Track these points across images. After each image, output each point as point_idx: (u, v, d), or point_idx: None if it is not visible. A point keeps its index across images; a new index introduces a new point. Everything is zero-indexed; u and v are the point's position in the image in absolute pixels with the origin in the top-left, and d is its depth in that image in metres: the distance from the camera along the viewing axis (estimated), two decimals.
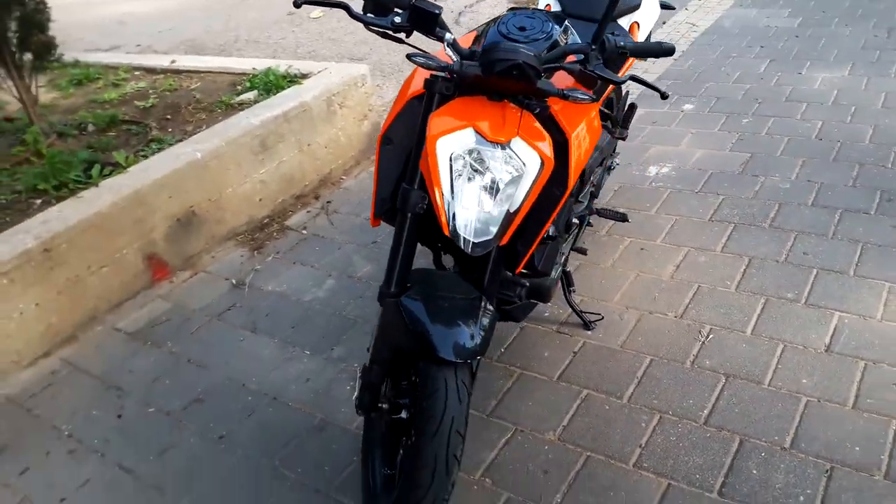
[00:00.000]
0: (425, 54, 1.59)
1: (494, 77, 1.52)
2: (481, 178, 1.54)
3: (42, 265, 2.61)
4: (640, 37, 2.48)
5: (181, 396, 2.40)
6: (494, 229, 1.56)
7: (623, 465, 1.93)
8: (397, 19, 1.60)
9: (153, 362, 2.58)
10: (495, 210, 1.55)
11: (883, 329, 2.24)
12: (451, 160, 1.53)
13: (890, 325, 2.25)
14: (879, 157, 3.17)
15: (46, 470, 2.17)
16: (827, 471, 1.83)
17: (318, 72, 3.94)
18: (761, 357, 2.21)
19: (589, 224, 2.68)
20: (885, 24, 4.70)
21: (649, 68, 4.52)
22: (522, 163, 1.55)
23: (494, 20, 1.85)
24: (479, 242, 1.56)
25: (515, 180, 1.55)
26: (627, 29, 2.41)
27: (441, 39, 1.61)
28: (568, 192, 1.70)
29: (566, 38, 1.81)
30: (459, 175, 1.53)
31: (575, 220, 2.33)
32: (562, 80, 1.77)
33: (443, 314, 1.60)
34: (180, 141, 3.31)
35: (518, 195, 1.56)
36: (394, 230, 1.66)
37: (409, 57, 1.58)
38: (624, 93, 2.71)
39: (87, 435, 2.28)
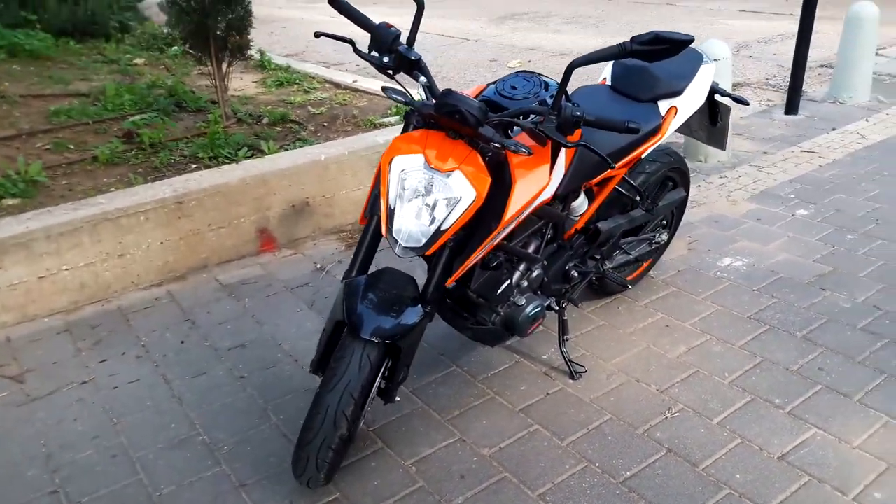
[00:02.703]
0: (396, 90, 1.96)
1: (444, 117, 1.85)
2: (422, 198, 1.87)
3: (172, 213, 3.31)
4: (676, 122, 2.63)
5: (232, 340, 2.93)
6: (424, 240, 1.88)
7: (529, 493, 2.12)
8: (385, 59, 2.00)
9: (227, 310, 3.15)
10: (428, 226, 1.87)
11: (851, 456, 2.19)
12: (400, 177, 1.88)
13: (861, 454, 2.20)
14: None
15: (116, 364, 2.79)
16: None
17: None
18: (711, 445, 2.26)
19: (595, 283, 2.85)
20: None
21: (789, 169, 4.46)
22: (458, 192, 1.85)
23: (501, 78, 2.18)
24: (408, 247, 1.89)
25: (450, 205, 1.86)
26: (665, 111, 2.58)
27: (417, 80, 1.98)
28: (500, 227, 1.96)
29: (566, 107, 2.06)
30: (404, 190, 1.88)
31: (574, 273, 2.55)
32: (524, 139, 2.03)
33: (373, 299, 1.94)
34: (318, 143, 3.93)
35: (450, 218, 1.87)
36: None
37: (383, 89, 1.96)
38: (659, 171, 2.84)
39: (154, 348, 2.89)
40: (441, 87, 1.91)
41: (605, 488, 2.12)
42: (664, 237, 3.02)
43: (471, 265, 2.03)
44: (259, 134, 4.17)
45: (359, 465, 2.25)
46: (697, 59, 2.72)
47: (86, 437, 2.41)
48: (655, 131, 2.53)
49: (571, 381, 2.60)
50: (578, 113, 1.87)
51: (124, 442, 2.38)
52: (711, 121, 3.03)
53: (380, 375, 2.04)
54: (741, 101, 2.90)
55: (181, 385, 2.66)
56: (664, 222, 3.05)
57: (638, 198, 2.72)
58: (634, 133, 1.88)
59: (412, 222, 1.88)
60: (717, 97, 2.96)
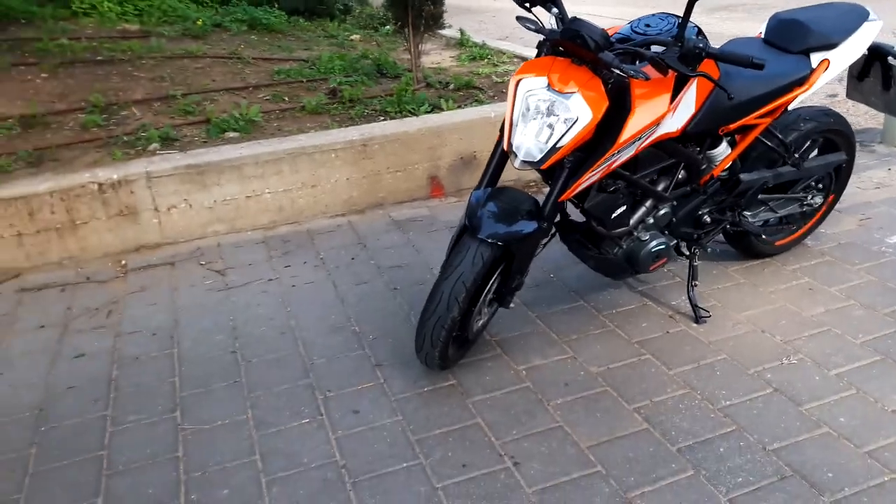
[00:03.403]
0: (528, 19, 2.18)
1: (568, 41, 2.05)
2: (543, 117, 2.08)
3: (358, 154, 3.79)
4: (828, 75, 2.57)
5: (392, 261, 3.33)
6: (539, 156, 2.09)
7: (625, 405, 2.27)
8: None
9: (394, 239, 3.56)
10: (545, 143, 2.08)
11: None
12: (525, 97, 2.11)
13: None
14: None
15: (298, 269, 3.30)
16: (781, 476, 1.94)
17: None
18: (822, 391, 2.26)
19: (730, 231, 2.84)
20: None
21: None
22: (576, 113, 2.05)
23: (639, 17, 2.33)
24: (525, 160, 2.11)
25: (567, 124, 2.06)
26: (816, 63, 2.54)
27: (550, 11, 2.19)
28: (614, 148, 2.10)
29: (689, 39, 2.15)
30: (528, 110, 2.10)
31: (707, 219, 2.63)
32: (650, 72, 2.15)
33: (494, 208, 2.20)
34: (490, 104, 4.25)
35: (566, 137, 2.06)
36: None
37: (517, 18, 2.20)
38: (814, 130, 2.78)
39: (330, 261, 3.36)
40: None
41: (700, 411, 2.22)
42: (818, 200, 2.96)
43: (585, 184, 2.20)
44: (443, 96, 4.56)
45: (476, 363, 2.52)
46: (862, 15, 2.65)
47: (264, 317, 2.91)
48: (802, 81, 2.52)
49: (695, 324, 2.67)
50: (701, 45, 1.99)
51: (293, 324, 2.85)
52: (884, 85, 2.91)
53: (493, 279, 2.30)
54: None
55: (345, 289, 3.10)
56: (819, 185, 2.98)
57: (784, 153, 2.70)
58: (759, 68, 1.96)
59: (531, 140, 2.10)
60: (891, 60, 2.84)
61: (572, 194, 2.24)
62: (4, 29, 5.72)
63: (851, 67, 3.01)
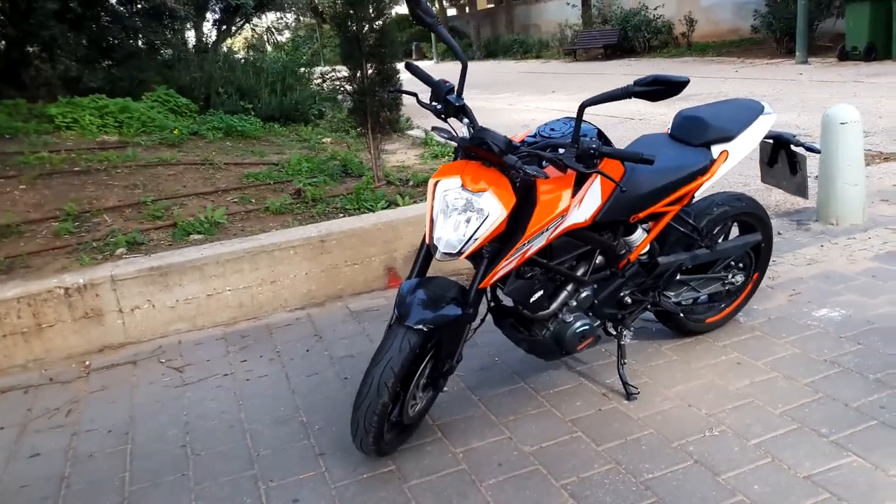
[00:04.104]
0: (442, 129, 2.41)
1: (476, 147, 2.27)
2: (459, 213, 2.28)
3: (316, 250, 3.98)
4: (728, 165, 2.80)
5: (345, 351, 3.46)
6: (459, 247, 2.28)
7: (553, 482, 2.37)
8: (439, 107, 2.46)
9: (349, 329, 3.71)
10: (462, 236, 2.27)
11: (883, 482, 2.19)
12: (443, 196, 2.31)
13: (895, 481, 2.19)
14: None
15: (253, 363, 3.42)
16: None
17: None
18: (740, 461, 2.36)
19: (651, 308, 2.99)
20: None
21: None
22: (488, 209, 2.25)
23: (546, 122, 2.57)
24: (446, 253, 2.29)
25: (480, 219, 2.25)
26: (717, 154, 2.78)
27: (461, 121, 2.42)
28: (523, 239, 2.29)
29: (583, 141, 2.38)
30: (447, 207, 2.30)
31: (628, 300, 2.80)
32: (552, 171, 2.36)
33: (421, 296, 2.36)
34: None
35: (481, 230, 2.26)
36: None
37: (432, 128, 2.42)
38: (727, 214, 2.99)
39: (285, 354, 3.49)
40: None
41: (623, 485, 2.31)
42: (739, 278, 3.13)
43: (502, 271, 2.38)
44: (401, 193, 4.81)
45: (417, 447, 2.62)
46: (756, 110, 2.91)
47: (216, 411, 3.01)
48: (704, 171, 2.74)
49: (626, 401, 2.79)
50: (594, 146, 2.22)
51: (242, 417, 2.95)
52: (791, 171, 3.15)
53: (424, 364, 2.44)
54: (813, 150, 3.01)
55: (297, 381, 3.22)
56: (740, 265, 3.16)
57: (697, 236, 2.90)
58: (648, 164, 2.17)
59: (450, 233, 2.29)
60: (794, 148, 3.09)
61: (492, 281, 2.41)
62: None
63: (762, 155, 3.27)
